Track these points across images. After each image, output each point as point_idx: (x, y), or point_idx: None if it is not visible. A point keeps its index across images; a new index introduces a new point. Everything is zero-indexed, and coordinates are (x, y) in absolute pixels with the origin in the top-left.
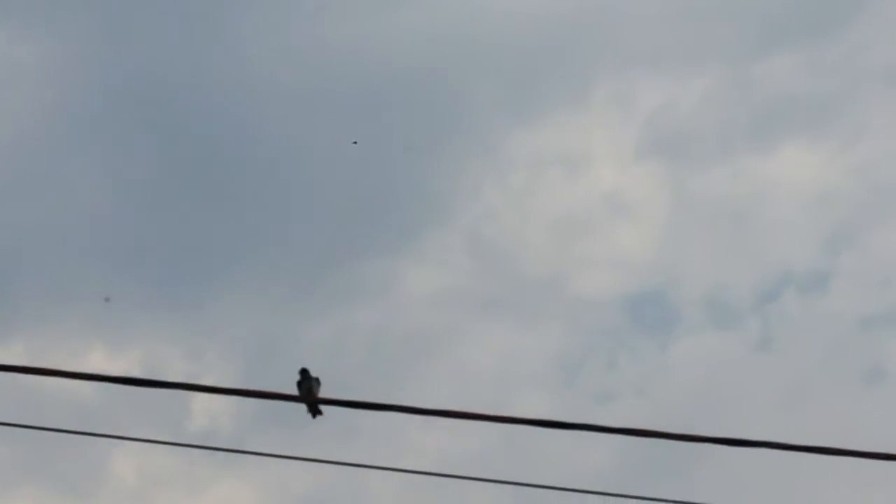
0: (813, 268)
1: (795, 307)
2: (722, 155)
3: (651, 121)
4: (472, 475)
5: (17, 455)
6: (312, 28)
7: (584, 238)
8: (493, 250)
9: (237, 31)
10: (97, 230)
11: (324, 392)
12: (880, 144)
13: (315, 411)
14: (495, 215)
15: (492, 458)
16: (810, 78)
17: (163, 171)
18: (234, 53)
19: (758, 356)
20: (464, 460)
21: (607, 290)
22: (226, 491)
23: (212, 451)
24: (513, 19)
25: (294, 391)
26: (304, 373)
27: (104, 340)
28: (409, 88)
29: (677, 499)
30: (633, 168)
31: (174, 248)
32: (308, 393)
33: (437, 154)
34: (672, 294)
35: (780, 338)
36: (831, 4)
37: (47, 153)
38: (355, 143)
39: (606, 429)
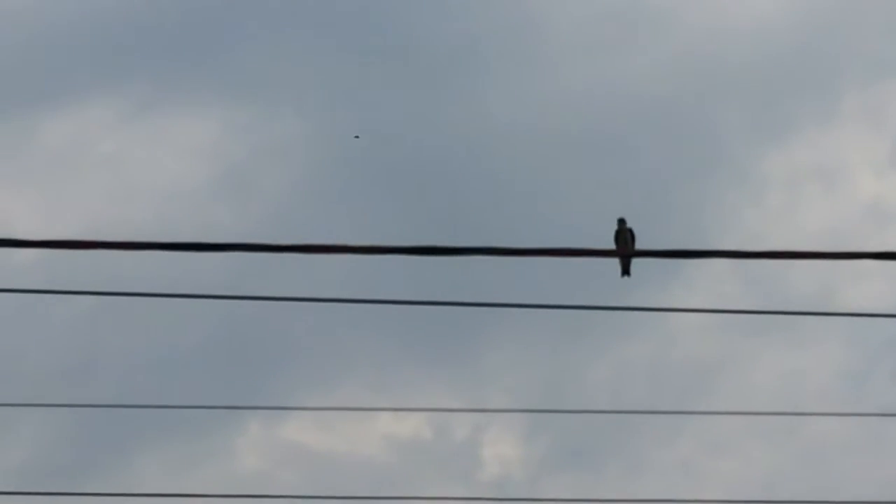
0: None
1: None
2: None
3: None
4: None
5: None
6: (553, 75)
7: (851, 249)
8: (760, 272)
9: (478, 87)
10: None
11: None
12: None
13: (627, 267)
14: (758, 237)
15: (783, 483)
16: None
17: (416, 228)
18: (475, 109)
19: None
20: (756, 486)
21: (884, 299)
22: None
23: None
24: (752, 39)
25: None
26: (621, 222)
27: (389, 404)
28: (659, 122)
29: None
30: (892, 175)
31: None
32: (625, 244)
33: (694, 182)
34: None
35: None
36: None
37: (304, 225)
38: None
39: None
